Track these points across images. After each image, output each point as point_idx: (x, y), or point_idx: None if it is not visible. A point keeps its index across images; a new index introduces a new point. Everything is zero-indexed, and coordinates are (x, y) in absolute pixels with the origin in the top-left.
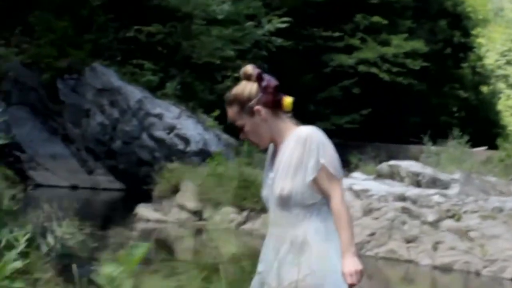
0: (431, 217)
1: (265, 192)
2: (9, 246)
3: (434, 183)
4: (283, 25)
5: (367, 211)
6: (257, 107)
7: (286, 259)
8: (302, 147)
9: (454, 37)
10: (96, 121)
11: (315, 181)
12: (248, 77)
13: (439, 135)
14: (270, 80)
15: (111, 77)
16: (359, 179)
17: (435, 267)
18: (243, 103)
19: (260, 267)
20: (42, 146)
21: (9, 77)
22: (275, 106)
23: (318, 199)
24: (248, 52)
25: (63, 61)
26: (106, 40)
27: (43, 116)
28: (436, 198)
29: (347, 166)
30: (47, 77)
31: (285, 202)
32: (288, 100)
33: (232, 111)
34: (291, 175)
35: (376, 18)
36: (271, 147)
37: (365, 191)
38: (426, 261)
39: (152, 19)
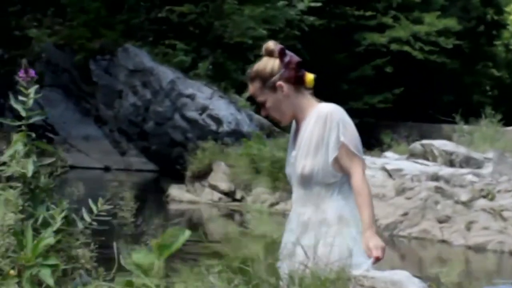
0: (464, 197)
1: (288, 170)
2: (46, 224)
3: (467, 162)
4: (316, 4)
5: (400, 191)
6: (279, 83)
7: (307, 237)
8: (323, 124)
9: (487, 14)
10: (129, 102)
11: (336, 159)
12: (270, 53)
13: (472, 114)
14: (292, 56)
15: (144, 58)
16: (391, 159)
17: (468, 247)
18: (265, 79)
19: (282, 245)
20: (75, 127)
21: (42, 58)
22: (297, 82)
23: (339, 178)
24: (281, 32)
25: (96, 42)
26: (138, 20)
27: (76, 98)
28: (470, 177)
29: (379, 146)
30: (79, 58)
31: (306, 180)
32: (310, 77)
33: (253, 87)
34: (312, 153)
35: None
36: (293, 124)
37: (398, 170)
38: (459, 241)
39: None
